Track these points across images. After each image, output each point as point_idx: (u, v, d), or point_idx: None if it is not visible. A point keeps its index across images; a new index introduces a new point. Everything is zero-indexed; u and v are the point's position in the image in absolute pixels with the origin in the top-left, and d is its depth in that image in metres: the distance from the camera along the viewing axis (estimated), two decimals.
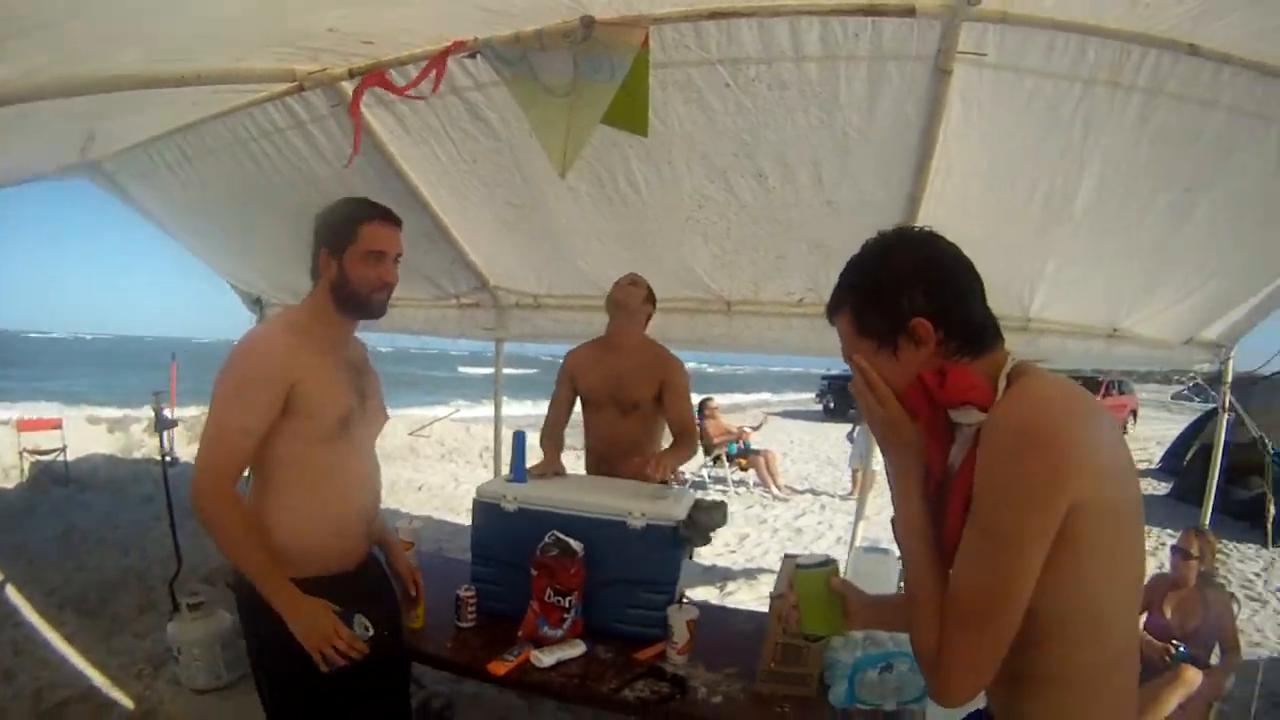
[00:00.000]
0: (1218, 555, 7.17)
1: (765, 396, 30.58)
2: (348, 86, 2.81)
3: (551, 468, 2.93)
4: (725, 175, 2.95)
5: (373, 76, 2.64)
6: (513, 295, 4.34)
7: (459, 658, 2.44)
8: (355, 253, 1.93)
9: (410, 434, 10.96)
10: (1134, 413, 21.78)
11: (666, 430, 3.25)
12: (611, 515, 2.52)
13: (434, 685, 3.38)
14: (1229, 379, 3.94)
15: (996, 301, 3.54)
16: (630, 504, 2.53)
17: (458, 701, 3.31)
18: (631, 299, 3.07)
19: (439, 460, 10.26)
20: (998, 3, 2.21)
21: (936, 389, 1.17)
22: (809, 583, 1.39)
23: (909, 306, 1.18)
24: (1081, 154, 2.65)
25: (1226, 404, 3.93)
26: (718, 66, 2.48)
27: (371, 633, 1.91)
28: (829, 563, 1.42)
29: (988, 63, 2.38)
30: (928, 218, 2.92)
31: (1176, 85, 2.42)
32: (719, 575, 5.85)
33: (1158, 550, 6.77)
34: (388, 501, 6.54)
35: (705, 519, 2.55)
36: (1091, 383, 20.26)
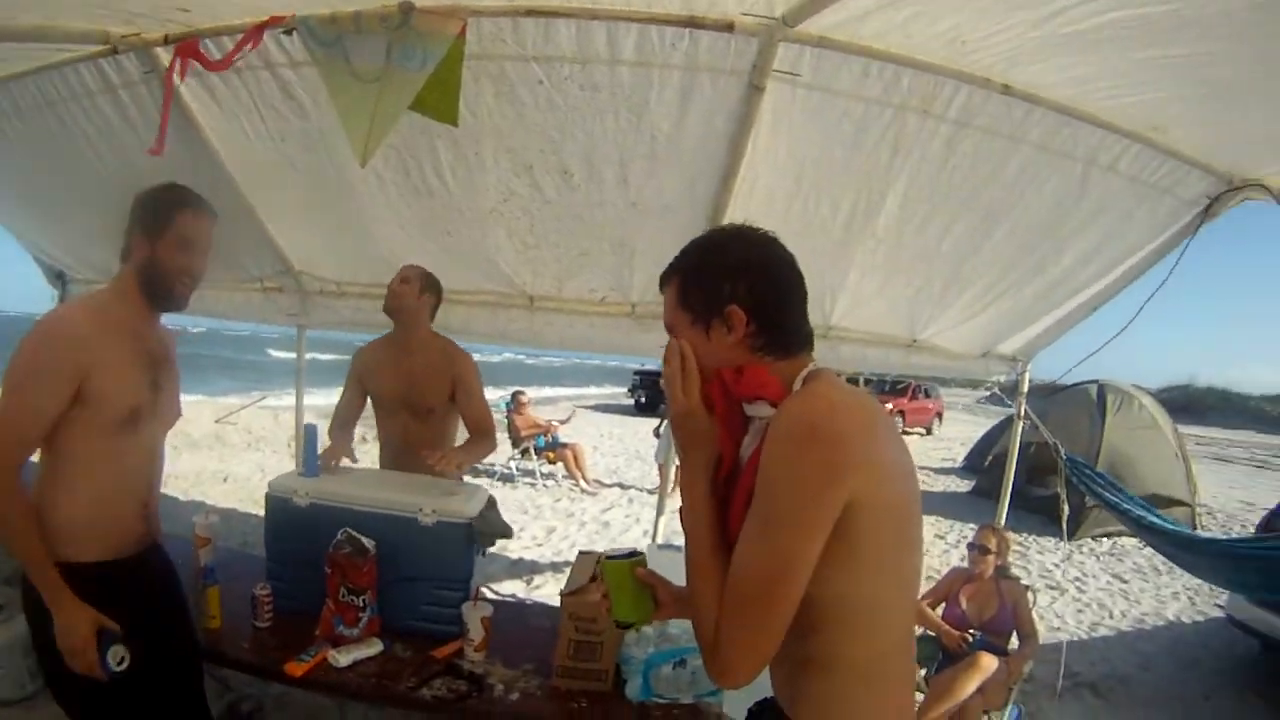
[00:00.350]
0: (1016, 548, 7.76)
1: (579, 390, 30.91)
2: (162, 53, 2.67)
3: (338, 455, 2.80)
4: (531, 170, 2.94)
5: (186, 47, 2.50)
6: (316, 281, 4.20)
7: (256, 659, 2.36)
8: (169, 238, 1.95)
9: (217, 421, 10.44)
10: (939, 415, 23.32)
11: (463, 427, 3.18)
12: (403, 512, 2.48)
13: (242, 687, 3.24)
14: (1025, 390, 4.27)
15: None
16: (421, 500, 2.49)
17: (266, 703, 3.19)
18: (404, 298, 2.96)
19: (246, 449, 9.84)
20: (816, 27, 2.28)
21: (733, 383, 1.24)
22: (616, 572, 1.43)
23: (729, 293, 1.26)
24: (888, 175, 2.79)
25: (1022, 412, 4.25)
26: (532, 63, 2.47)
27: (123, 667, 1.85)
28: (636, 554, 1.46)
29: (801, 82, 2.47)
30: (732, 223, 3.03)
31: (987, 120, 2.60)
32: (526, 569, 5.86)
33: (960, 544, 7.25)
34: (191, 493, 6.28)
35: (495, 519, 2.57)
36: (899, 386, 21.65)
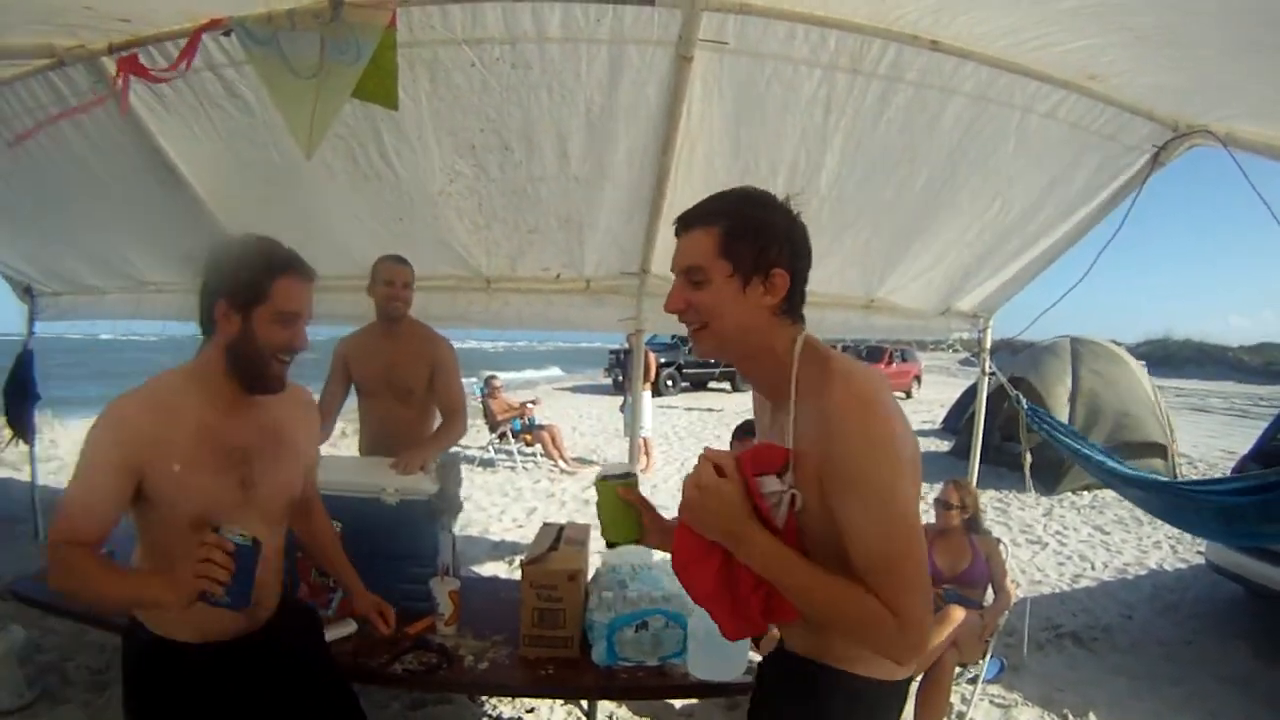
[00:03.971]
0: (997, 504, 7.82)
1: (556, 373, 30.85)
2: (108, 63, 2.69)
3: None
4: (474, 150, 2.97)
5: (129, 64, 2.54)
6: None
7: None
8: (267, 311, 1.63)
9: None
10: (918, 378, 23.58)
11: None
12: (366, 493, 2.55)
13: None
14: (988, 346, 4.33)
15: None
16: (383, 480, 2.57)
17: None
18: (408, 302, 3.12)
19: None
20: None
21: (750, 463, 1.27)
22: (604, 492, 1.49)
23: (776, 255, 1.29)
24: (824, 134, 2.83)
25: (986, 369, 4.31)
26: (463, 46, 2.50)
27: (247, 537, 1.50)
28: (628, 475, 1.52)
29: (728, 49, 2.50)
30: (675, 192, 3.07)
31: (918, 75, 2.62)
32: (508, 550, 5.90)
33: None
34: None
35: (452, 487, 2.62)
36: (876, 351, 21.84)
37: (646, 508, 1.50)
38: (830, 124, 2.79)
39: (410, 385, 3.14)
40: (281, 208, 3.40)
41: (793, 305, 1.33)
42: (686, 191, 3.04)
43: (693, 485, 1.26)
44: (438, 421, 3.23)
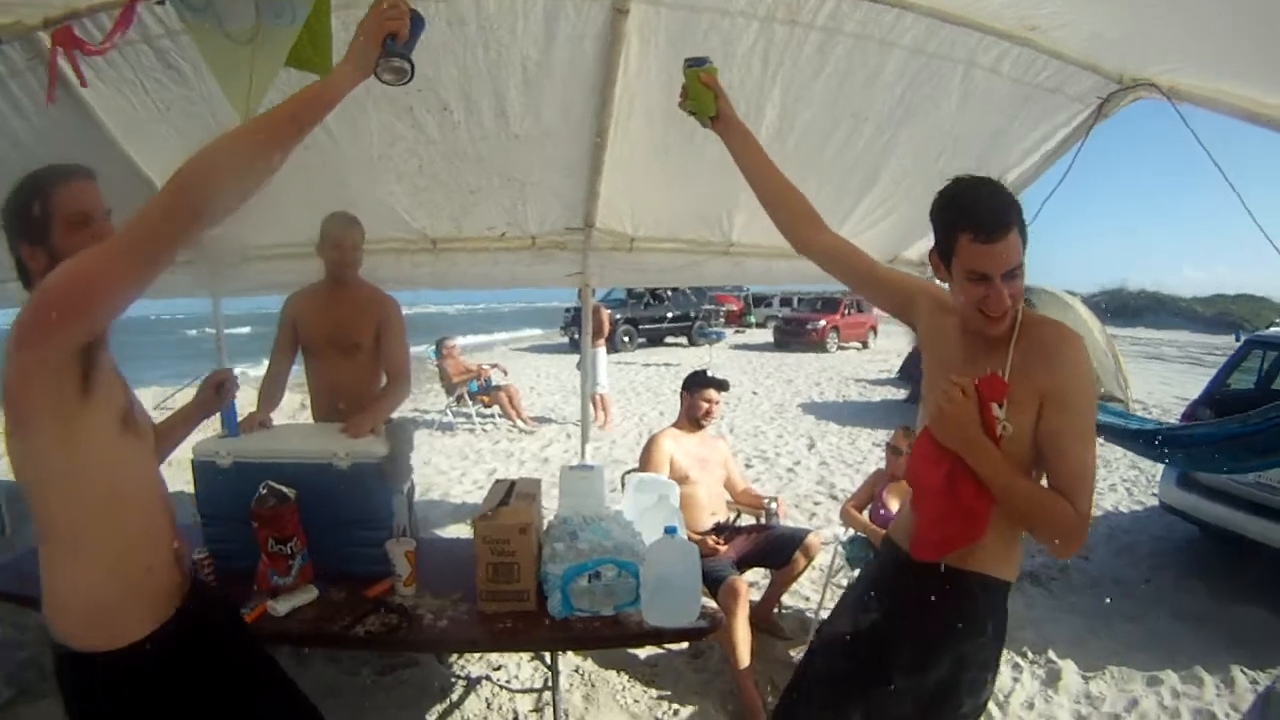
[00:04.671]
0: None
1: (512, 334, 30.62)
2: (44, 37, 2.63)
3: (257, 419, 2.89)
4: (412, 112, 2.96)
5: (63, 36, 2.48)
6: (224, 250, 4.13)
7: None
8: (59, 227, 1.54)
9: (155, 408, 10.28)
10: (874, 329, 23.87)
11: None
12: (318, 459, 2.57)
13: None
14: None
15: (697, 227, 3.80)
16: (335, 445, 2.58)
17: None
18: (348, 238, 3.08)
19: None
20: None
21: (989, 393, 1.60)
22: (690, 77, 1.95)
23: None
24: (762, 86, 2.85)
25: None
26: None
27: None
28: (707, 62, 1.95)
29: (664, 2, 2.51)
30: (616, 148, 3.09)
31: (856, 26, 2.63)
32: (469, 512, 5.82)
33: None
34: None
35: (401, 447, 2.64)
36: (832, 302, 22.07)
37: (721, 93, 1.98)
38: (769, 77, 2.81)
39: (356, 340, 3.14)
40: None
41: None
42: (626, 146, 3.05)
43: (943, 400, 1.60)
44: (384, 383, 3.23)
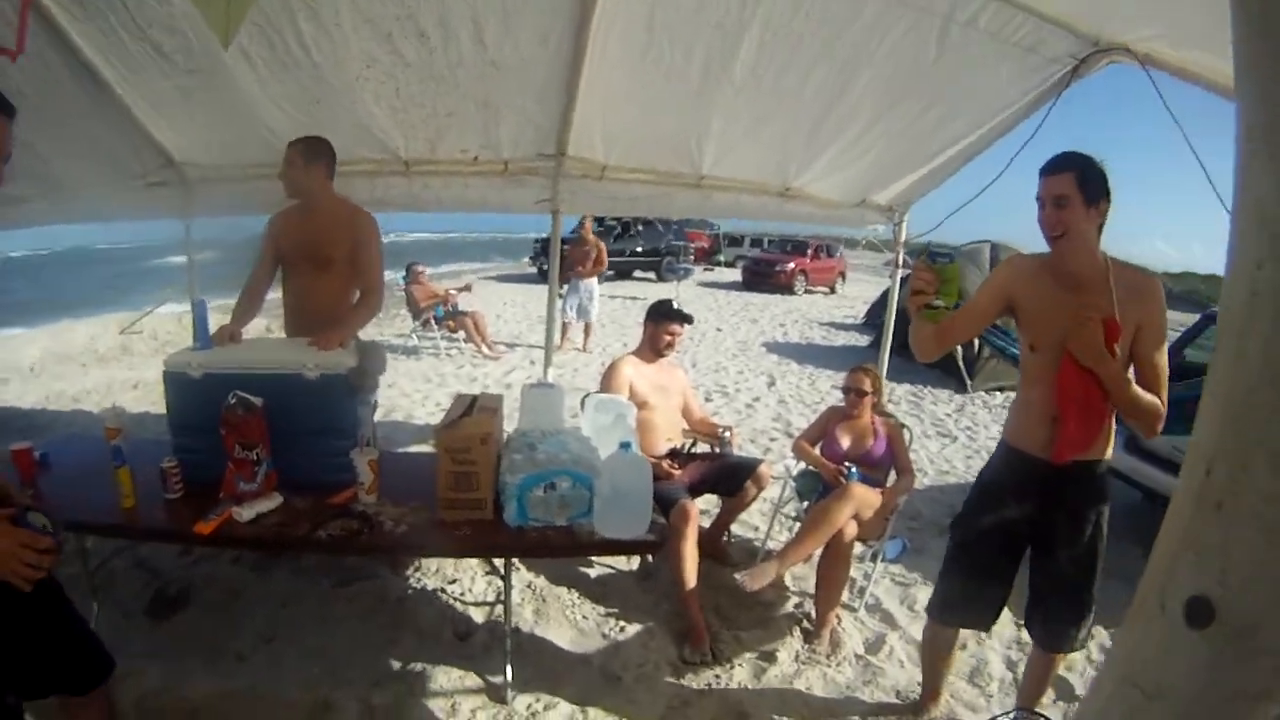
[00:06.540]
0: (910, 398, 8.07)
1: (481, 265, 30.40)
2: None
3: (228, 332, 2.96)
4: (390, 38, 2.96)
5: None
6: (199, 170, 4.15)
7: (168, 526, 2.51)
8: None
9: (121, 333, 10.17)
10: (842, 274, 23.94)
11: None
12: (288, 370, 2.63)
13: (168, 571, 3.36)
14: (902, 239, 4.48)
15: (668, 159, 3.84)
16: (304, 357, 2.65)
17: (194, 583, 3.28)
18: (295, 180, 3.13)
19: (154, 355, 9.58)
20: None
21: (1112, 334, 2.08)
22: (949, 271, 2.07)
23: (1105, 190, 2.08)
24: (740, 22, 2.86)
25: (900, 261, 4.48)
26: None
27: (51, 528, 1.55)
28: (954, 259, 2.08)
29: None
30: (593, 76, 3.11)
31: None
32: (431, 433, 5.93)
33: None
34: (104, 404, 6.21)
35: (372, 364, 2.71)
36: (801, 245, 22.18)
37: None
38: (747, 12, 2.83)
39: (330, 254, 3.17)
40: (201, 98, 3.34)
41: (1103, 223, 2.13)
42: (601, 77, 3.06)
43: (1082, 329, 2.07)
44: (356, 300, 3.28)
